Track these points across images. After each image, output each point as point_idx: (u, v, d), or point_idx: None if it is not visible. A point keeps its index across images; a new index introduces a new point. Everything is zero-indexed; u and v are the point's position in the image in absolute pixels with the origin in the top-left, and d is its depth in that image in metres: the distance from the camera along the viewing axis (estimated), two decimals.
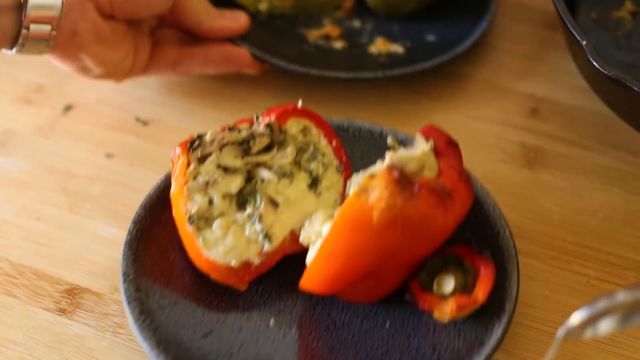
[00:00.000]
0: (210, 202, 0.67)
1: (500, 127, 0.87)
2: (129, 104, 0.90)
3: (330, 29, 0.97)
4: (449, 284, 0.66)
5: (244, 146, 0.69)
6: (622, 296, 0.53)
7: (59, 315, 0.71)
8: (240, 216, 0.68)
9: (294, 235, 0.69)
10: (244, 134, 0.68)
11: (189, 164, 0.67)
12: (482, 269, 0.66)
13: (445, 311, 0.65)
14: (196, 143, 0.68)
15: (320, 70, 0.88)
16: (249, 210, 0.68)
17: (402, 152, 0.65)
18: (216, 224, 0.67)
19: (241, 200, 0.69)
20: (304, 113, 0.71)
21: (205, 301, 0.68)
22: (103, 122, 0.88)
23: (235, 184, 0.68)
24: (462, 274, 0.67)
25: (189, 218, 0.67)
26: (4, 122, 0.89)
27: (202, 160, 0.68)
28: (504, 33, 0.98)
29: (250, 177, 0.70)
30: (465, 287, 0.66)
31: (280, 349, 0.66)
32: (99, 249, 0.76)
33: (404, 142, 0.75)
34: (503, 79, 0.93)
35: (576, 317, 0.54)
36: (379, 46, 0.94)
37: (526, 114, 0.88)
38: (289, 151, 0.70)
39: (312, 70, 0.87)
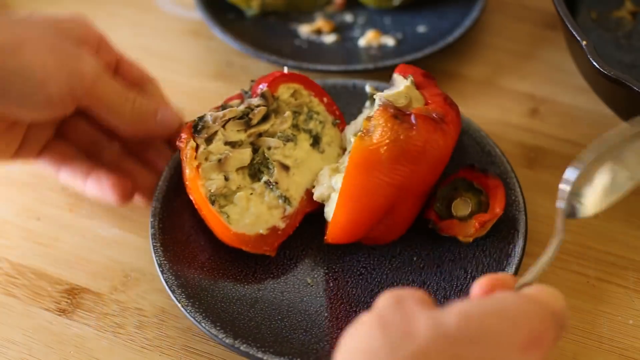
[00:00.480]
0: (226, 178, 0.69)
1: (500, 127, 0.87)
2: None
3: (322, 23, 0.97)
4: (466, 207, 0.71)
5: (245, 119, 0.70)
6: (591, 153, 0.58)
7: (59, 315, 0.71)
8: (257, 186, 0.71)
9: (310, 194, 0.73)
10: (241, 108, 0.70)
11: (197, 147, 0.68)
12: (492, 185, 0.72)
13: (469, 232, 0.70)
14: (199, 125, 0.69)
15: (312, 64, 0.89)
16: (264, 178, 0.71)
17: (388, 92, 0.69)
18: (237, 197, 0.70)
19: (252, 171, 0.72)
20: (292, 77, 0.73)
21: (241, 274, 0.70)
22: None
23: (245, 155, 0.70)
24: (474, 195, 0.72)
25: (210, 198, 0.68)
26: None
27: (209, 140, 0.69)
28: (504, 33, 0.98)
29: (255, 148, 0.72)
30: (480, 206, 0.71)
31: (324, 303, 0.69)
32: (99, 249, 0.76)
33: (379, 89, 0.77)
34: (503, 78, 0.93)
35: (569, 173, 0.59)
36: (370, 39, 0.95)
37: (526, 114, 0.88)
38: (287, 115, 0.72)
39: (304, 64, 0.89)
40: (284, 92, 0.72)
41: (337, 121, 0.76)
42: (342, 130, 0.76)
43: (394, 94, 0.69)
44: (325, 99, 0.75)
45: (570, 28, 0.75)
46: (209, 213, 0.68)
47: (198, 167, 0.68)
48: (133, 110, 0.70)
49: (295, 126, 0.74)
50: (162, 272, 0.67)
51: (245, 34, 0.94)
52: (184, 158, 0.68)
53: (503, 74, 0.93)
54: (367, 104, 0.77)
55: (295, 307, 0.68)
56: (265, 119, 0.71)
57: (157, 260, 0.68)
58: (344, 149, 0.76)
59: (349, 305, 0.68)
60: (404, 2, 0.98)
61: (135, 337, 0.69)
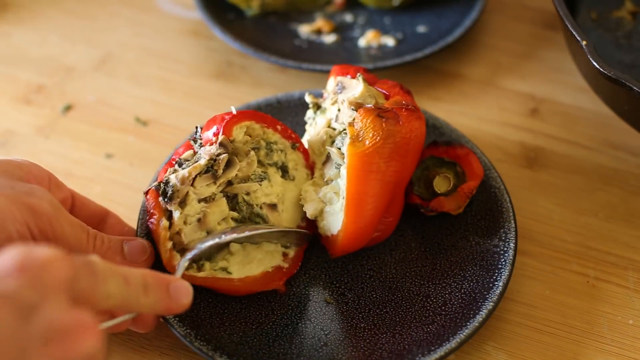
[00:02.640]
0: (209, 233, 0.67)
1: (500, 127, 0.87)
2: (129, 104, 0.90)
3: (322, 23, 0.97)
4: (447, 182, 0.73)
5: (211, 172, 0.68)
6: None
7: None
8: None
9: (302, 222, 0.72)
10: (204, 161, 0.67)
11: (171, 216, 0.66)
12: (461, 154, 0.73)
13: (459, 203, 0.71)
14: (169, 191, 0.66)
15: (312, 64, 0.89)
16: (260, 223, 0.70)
17: (349, 96, 0.69)
18: (233, 245, 0.68)
19: (241, 217, 0.70)
20: (242, 116, 0.70)
21: (265, 318, 0.68)
22: (103, 122, 0.88)
23: (223, 206, 0.68)
24: (448, 168, 0.74)
25: (197, 265, 0.66)
26: (4, 122, 0.88)
27: (182, 203, 0.66)
28: (504, 33, 0.98)
29: (229, 196, 0.69)
30: (459, 175, 0.73)
31: (354, 313, 0.68)
32: None
33: (317, 96, 0.77)
34: (503, 79, 0.93)
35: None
36: (370, 39, 0.95)
37: (526, 114, 0.88)
38: (252, 156, 0.69)
39: (304, 64, 0.89)
40: (238, 133, 0.69)
41: (296, 144, 0.73)
42: (303, 151, 0.74)
43: (359, 96, 0.69)
44: (278, 127, 0.72)
45: (570, 28, 0.75)
46: (204, 281, 0.66)
47: (171, 250, 0.65)
48: (96, 248, 0.63)
49: (259, 162, 0.71)
50: (190, 343, 0.64)
51: (245, 34, 0.94)
52: (158, 240, 0.65)
53: (503, 74, 0.93)
54: (310, 113, 0.75)
55: (330, 329, 0.67)
56: (228, 165, 0.68)
57: (185, 338, 0.64)
58: (310, 168, 0.74)
59: (377, 309, 0.68)
60: (404, 2, 0.98)
61: (135, 337, 0.69)
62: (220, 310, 0.68)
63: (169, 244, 0.65)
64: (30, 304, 0.47)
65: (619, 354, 0.68)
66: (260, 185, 0.70)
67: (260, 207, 0.70)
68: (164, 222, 0.65)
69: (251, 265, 0.68)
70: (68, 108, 0.90)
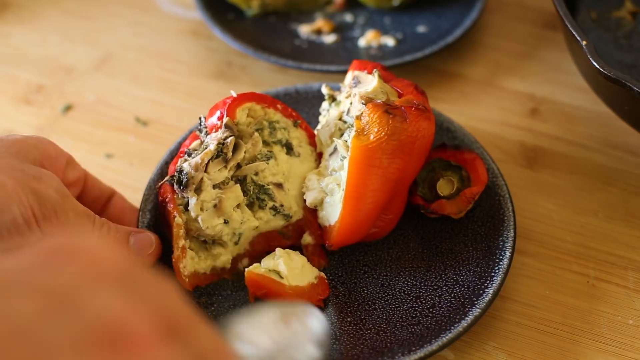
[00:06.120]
0: (226, 221, 0.68)
1: (500, 127, 0.87)
2: (129, 104, 0.90)
3: (322, 23, 0.97)
4: (450, 185, 0.72)
5: (221, 156, 0.68)
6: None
7: None
8: (263, 215, 0.70)
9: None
10: (213, 146, 0.67)
11: (185, 207, 0.67)
12: (468, 158, 0.73)
13: (461, 208, 0.71)
14: (184, 179, 0.66)
15: (312, 64, 0.89)
16: (270, 204, 0.70)
17: (364, 90, 0.69)
18: (278, 252, 0.68)
19: (249, 202, 0.70)
20: (243, 98, 0.70)
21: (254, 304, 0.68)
22: (103, 122, 0.88)
23: (238, 192, 0.68)
24: (454, 172, 0.73)
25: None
26: (4, 122, 0.88)
27: (198, 190, 0.67)
28: (504, 33, 0.98)
29: (239, 179, 0.70)
30: (463, 180, 0.73)
31: (342, 306, 0.68)
32: None
33: (334, 89, 0.78)
34: (503, 79, 0.93)
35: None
36: (370, 39, 0.95)
37: (526, 114, 0.88)
38: (256, 136, 0.70)
39: (304, 64, 0.89)
40: (240, 115, 0.70)
41: (298, 121, 0.74)
42: (305, 129, 0.75)
43: (372, 91, 0.69)
44: (279, 106, 0.73)
45: (570, 28, 0.75)
46: (262, 279, 0.66)
47: (183, 248, 0.67)
48: (100, 238, 0.61)
49: (264, 142, 0.72)
50: None
51: (245, 34, 0.94)
52: (172, 235, 0.66)
53: (503, 74, 0.93)
54: (325, 104, 0.76)
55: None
56: (235, 148, 0.69)
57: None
58: (314, 146, 0.74)
59: (366, 305, 0.68)
60: (404, 2, 0.98)
61: None
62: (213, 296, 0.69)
63: (182, 242, 0.66)
64: None
65: (619, 354, 0.68)
66: (268, 164, 0.71)
67: (269, 187, 0.70)
68: (178, 220, 0.66)
69: (297, 273, 0.68)
70: (68, 108, 0.90)
